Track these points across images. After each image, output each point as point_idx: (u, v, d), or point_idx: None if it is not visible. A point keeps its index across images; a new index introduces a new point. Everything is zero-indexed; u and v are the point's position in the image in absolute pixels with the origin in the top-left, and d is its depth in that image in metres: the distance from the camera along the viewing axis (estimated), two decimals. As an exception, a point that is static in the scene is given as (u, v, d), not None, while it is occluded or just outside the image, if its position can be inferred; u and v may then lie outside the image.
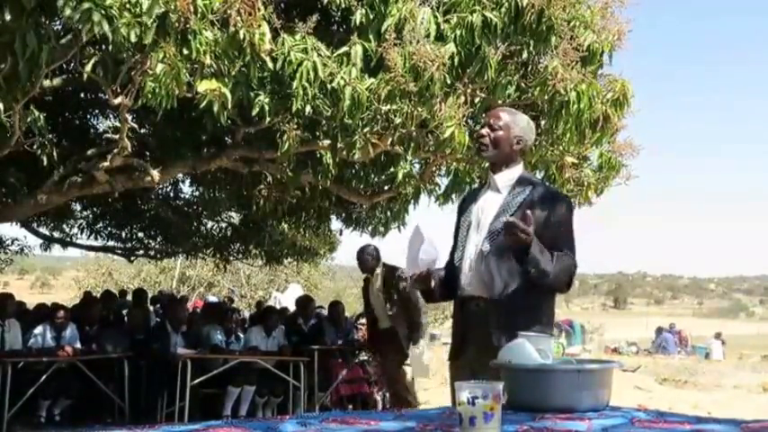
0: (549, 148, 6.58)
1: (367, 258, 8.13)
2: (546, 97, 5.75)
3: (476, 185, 7.37)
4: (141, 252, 14.66)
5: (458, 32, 5.39)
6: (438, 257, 3.34)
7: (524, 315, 3.14)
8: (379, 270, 8.00)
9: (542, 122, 6.36)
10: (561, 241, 3.21)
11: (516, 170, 3.39)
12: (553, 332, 3.21)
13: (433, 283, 3.37)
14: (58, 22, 5.43)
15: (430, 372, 8.21)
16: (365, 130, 5.74)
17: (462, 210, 3.53)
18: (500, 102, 5.94)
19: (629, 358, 21.44)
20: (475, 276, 3.30)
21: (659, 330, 27.53)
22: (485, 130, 3.41)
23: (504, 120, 3.39)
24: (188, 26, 4.68)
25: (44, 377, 8.18)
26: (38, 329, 8.78)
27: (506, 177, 3.37)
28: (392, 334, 7.93)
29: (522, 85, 5.98)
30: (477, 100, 5.91)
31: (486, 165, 3.65)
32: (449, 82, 5.42)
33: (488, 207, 3.36)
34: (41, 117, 5.64)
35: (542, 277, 3.11)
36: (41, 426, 8.27)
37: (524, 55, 5.89)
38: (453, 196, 7.55)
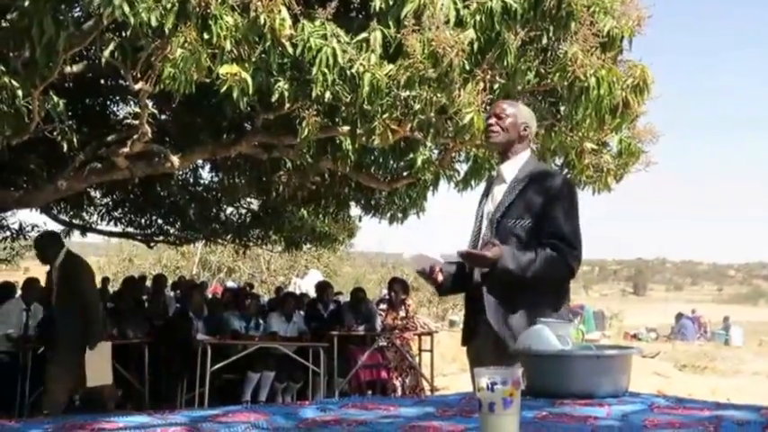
0: (568, 135, 6.54)
1: (44, 245, 7.31)
2: (565, 83, 5.72)
3: (494, 173, 7.36)
4: (161, 238, 14.72)
5: (477, 18, 5.35)
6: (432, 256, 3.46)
7: (528, 302, 3.25)
8: (60, 260, 7.12)
9: (562, 108, 6.33)
10: (559, 229, 3.26)
11: (522, 157, 3.51)
12: (564, 316, 3.24)
13: (440, 278, 3.48)
14: (77, 8, 5.46)
15: (110, 376, 7.54)
16: (384, 117, 5.73)
17: (479, 203, 3.66)
18: (519, 87, 5.92)
19: (648, 344, 21.39)
20: None
21: (679, 316, 27.41)
22: (492, 120, 3.54)
23: (509, 110, 3.54)
24: (208, 11, 4.69)
25: (64, 362, 8.25)
26: (58, 315, 8.86)
27: (513, 166, 3.49)
28: (64, 331, 7.10)
29: (542, 70, 5.95)
30: (496, 86, 5.87)
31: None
32: (468, 68, 5.39)
33: (495, 198, 3.49)
34: (61, 103, 5.65)
35: (521, 280, 3.20)
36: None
37: (544, 41, 5.87)
38: (472, 182, 7.54)
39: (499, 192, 3.47)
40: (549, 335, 2.62)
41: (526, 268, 3.17)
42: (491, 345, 3.28)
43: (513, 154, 3.50)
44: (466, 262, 3.39)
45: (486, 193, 3.60)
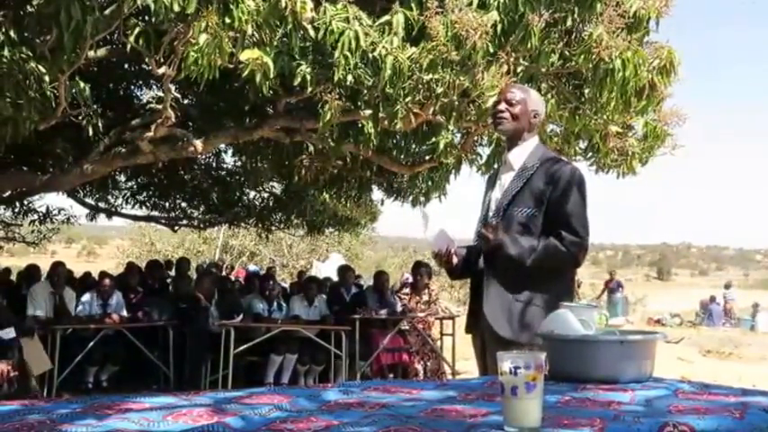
0: (592, 117, 6.49)
1: None
2: (590, 65, 5.66)
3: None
4: (184, 222, 14.81)
5: (501, 0, 5.32)
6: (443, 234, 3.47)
7: (532, 286, 3.27)
8: None
9: (586, 91, 6.27)
10: (564, 216, 3.24)
11: (530, 144, 3.47)
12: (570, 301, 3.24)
13: (455, 260, 3.49)
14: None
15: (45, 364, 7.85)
16: (407, 100, 5.71)
17: (486, 190, 3.64)
18: (543, 70, 5.87)
19: (672, 330, 21.25)
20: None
21: (711, 300, 27.23)
22: (502, 106, 3.48)
23: (519, 95, 3.48)
24: (229, -5, 4.69)
25: (91, 344, 8.36)
26: (85, 297, 8.98)
27: (520, 153, 3.46)
28: None
29: (566, 53, 5.89)
30: (519, 69, 5.83)
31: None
32: (491, 50, 5.36)
33: (502, 185, 3.47)
34: (87, 88, 5.69)
35: (521, 266, 3.21)
36: (89, 391, 8.45)
37: (568, 22, 5.80)
38: (495, 166, 7.50)
39: (506, 179, 3.45)
40: (572, 319, 2.61)
41: (527, 255, 3.18)
42: (494, 333, 3.29)
43: (522, 141, 3.46)
44: (481, 242, 3.38)
45: (493, 181, 3.57)
